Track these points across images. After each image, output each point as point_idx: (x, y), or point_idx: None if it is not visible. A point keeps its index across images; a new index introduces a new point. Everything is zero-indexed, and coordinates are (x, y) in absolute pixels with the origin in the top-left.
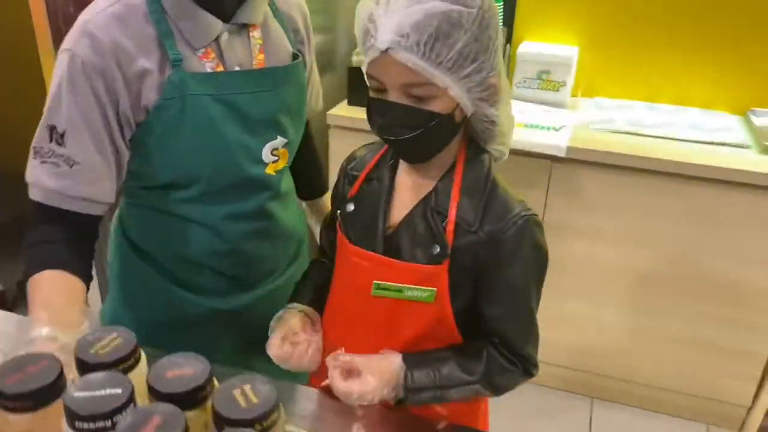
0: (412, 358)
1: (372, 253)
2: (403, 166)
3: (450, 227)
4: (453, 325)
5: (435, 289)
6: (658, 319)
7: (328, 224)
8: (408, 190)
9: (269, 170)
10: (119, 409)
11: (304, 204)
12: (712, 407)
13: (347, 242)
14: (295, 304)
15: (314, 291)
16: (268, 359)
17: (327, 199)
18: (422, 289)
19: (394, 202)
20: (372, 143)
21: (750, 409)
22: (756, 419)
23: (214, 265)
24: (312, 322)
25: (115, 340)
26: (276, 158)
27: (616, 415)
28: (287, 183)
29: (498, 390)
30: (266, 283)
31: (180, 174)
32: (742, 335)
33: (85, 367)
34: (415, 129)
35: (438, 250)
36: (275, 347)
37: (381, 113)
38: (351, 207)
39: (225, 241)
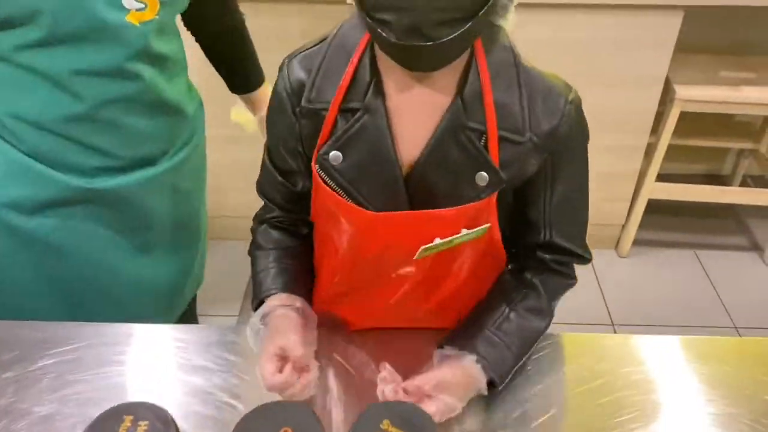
0: (478, 343)
1: (399, 213)
2: (395, 81)
3: (493, 143)
4: (501, 247)
5: (488, 224)
6: None
7: (279, 171)
8: (415, 112)
9: (131, 18)
10: None
11: (238, 98)
12: (591, 231)
13: (354, 207)
14: (280, 295)
15: (293, 270)
16: (158, 259)
17: (264, 91)
18: (475, 231)
19: (398, 135)
20: (309, 48)
21: (624, 226)
22: (630, 234)
23: (72, 133)
24: (306, 322)
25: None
26: (142, 6)
27: None
28: (169, 48)
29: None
30: (150, 167)
31: (14, 5)
32: (613, 158)
33: None
34: (459, 21)
35: (487, 178)
36: (270, 374)
37: None
38: (338, 157)
39: (79, 101)
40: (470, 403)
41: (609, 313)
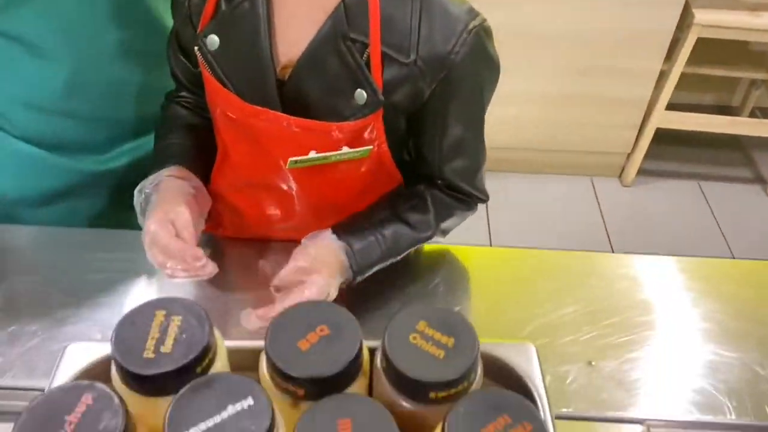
0: (348, 230)
1: (267, 110)
2: None
3: (376, 60)
4: (393, 169)
5: (370, 146)
6: (536, 79)
7: (178, 44)
8: (300, 12)
9: None
10: None
11: None
12: (596, 159)
13: (228, 94)
14: (177, 168)
15: (193, 148)
16: None
17: None
18: (354, 151)
19: (278, 31)
20: None
21: (630, 155)
22: (635, 163)
23: (68, 106)
24: (199, 200)
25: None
26: None
27: (502, 183)
28: None
29: (447, 232)
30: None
31: None
32: (624, 83)
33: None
34: None
35: (365, 96)
36: (169, 236)
37: None
38: (214, 41)
39: (63, 65)
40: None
41: (610, 242)
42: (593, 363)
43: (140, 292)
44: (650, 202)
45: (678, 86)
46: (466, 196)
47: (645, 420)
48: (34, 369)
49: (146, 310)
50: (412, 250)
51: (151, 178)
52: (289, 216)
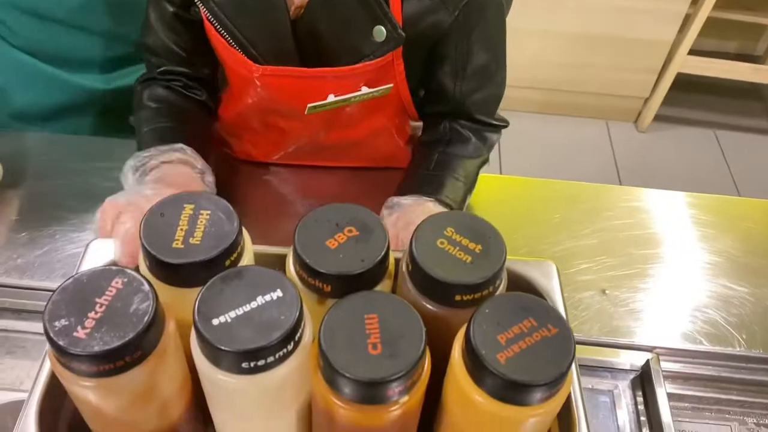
0: (428, 185)
1: (283, 68)
2: None
3: None
4: (411, 106)
5: (391, 84)
6: (558, 17)
7: (171, 7)
8: None
9: None
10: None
11: None
12: (612, 103)
13: (235, 52)
14: (171, 151)
15: (183, 130)
16: None
17: None
18: (374, 91)
19: None
20: None
21: (647, 99)
22: (652, 109)
23: (82, 20)
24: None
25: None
26: None
27: (514, 123)
28: None
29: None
30: None
31: None
32: (647, 26)
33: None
34: None
35: (384, 33)
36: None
37: None
38: None
39: None
40: None
41: (621, 185)
42: (607, 292)
43: None
44: (664, 149)
45: (701, 32)
46: (486, 126)
47: (654, 348)
48: (53, 270)
49: (174, 203)
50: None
51: (152, 162)
52: (303, 149)
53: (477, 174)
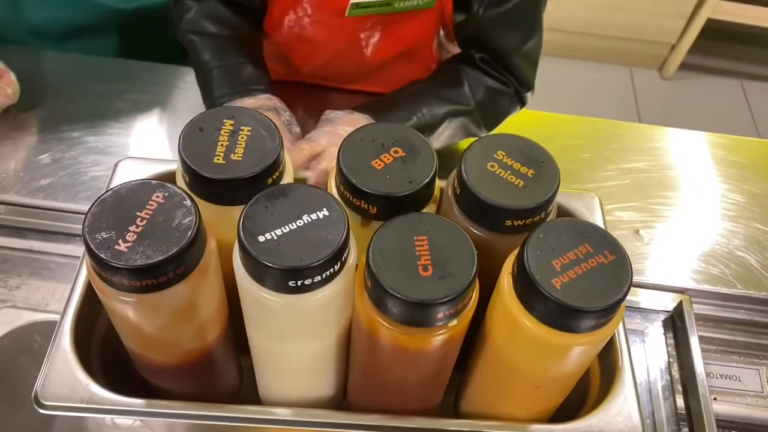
0: (380, 105)
1: None
2: None
3: None
4: (451, 30)
5: None
6: None
7: None
8: None
9: None
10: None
11: None
12: (638, 48)
13: None
14: (254, 97)
15: (256, 62)
16: None
17: None
18: None
19: None
20: None
21: (674, 46)
22: (679, 56)
23: None
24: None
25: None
26: None
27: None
28: None
29: (489, 124)
30: None
31: None
32: None
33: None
34: None
35: None
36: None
37: None
38: None
39: None
40: None
41: None
42: (640, 232)
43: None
44: (688, 98)
45: None
46: (505, 76)
47: (687, 290)
48: (77, 192)
49: (214, 117)
50: (449, 141)
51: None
52: (332, 66)
53: (444, 119)
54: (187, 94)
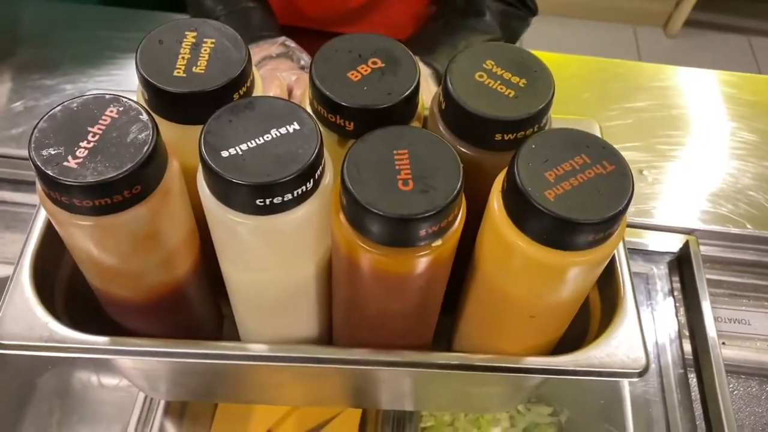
0: (421, 44)
1: None
2: None
3: None
4: None
5: None
6: None
7: None
8: None
9: None
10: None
11: None
12: (640, 6)
13: None
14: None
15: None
16: None
17: None
18: None
19: None
20: None
21: (678, 2)
22: (683, 12)
23: None
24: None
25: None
26: None
27: (543, 27)
28: None
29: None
30: None
31: None
32: None
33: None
34: None
35: None
36: None
37: None
38: None
39: None
40: None
41: None
42: (644, 172)
43: None
44: (694, 56)
45: None
46: (513, 4)
47: (694, 230)
48: None
49: (174, 29)
50: None
51: (254, 57)
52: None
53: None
54: None
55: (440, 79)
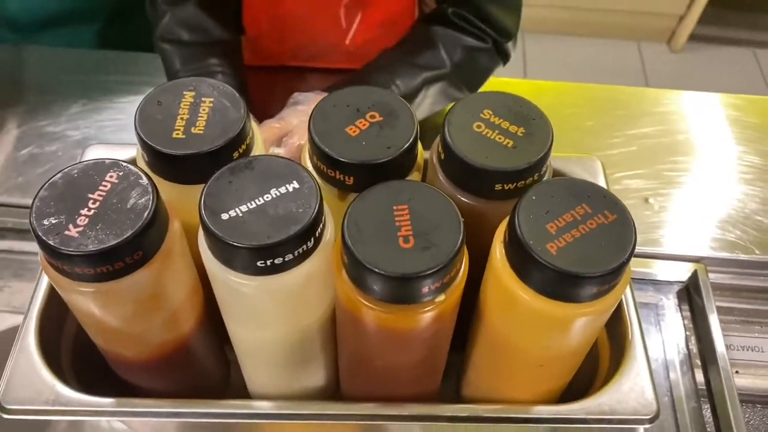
0: (353, 83)
1: None
2: None
3: None
4: None
5: None
6: None
7: None
8: None
9: None
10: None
11: None
12: (645, 22)
13: None
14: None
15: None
16: None
17: None
18: None
19: None
20: None
21: (682, 17)
22: (687, 27)
23: None
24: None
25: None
26: None
27: (541, 45)
28: None
29: (471, 84)
30: None
31: None
32: None
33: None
34: None
35: None
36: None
37: None
38: None
39: None
40: None
41: None
42: (650, 200)
43: None
44: (700, 70)
45: None
46: (481, 31)
47: (702, 258)
48: None
49: (173, 89)
50: (429, 111)
51: None
52: (310, 46)
53: (422, 88)
54: None
55: None
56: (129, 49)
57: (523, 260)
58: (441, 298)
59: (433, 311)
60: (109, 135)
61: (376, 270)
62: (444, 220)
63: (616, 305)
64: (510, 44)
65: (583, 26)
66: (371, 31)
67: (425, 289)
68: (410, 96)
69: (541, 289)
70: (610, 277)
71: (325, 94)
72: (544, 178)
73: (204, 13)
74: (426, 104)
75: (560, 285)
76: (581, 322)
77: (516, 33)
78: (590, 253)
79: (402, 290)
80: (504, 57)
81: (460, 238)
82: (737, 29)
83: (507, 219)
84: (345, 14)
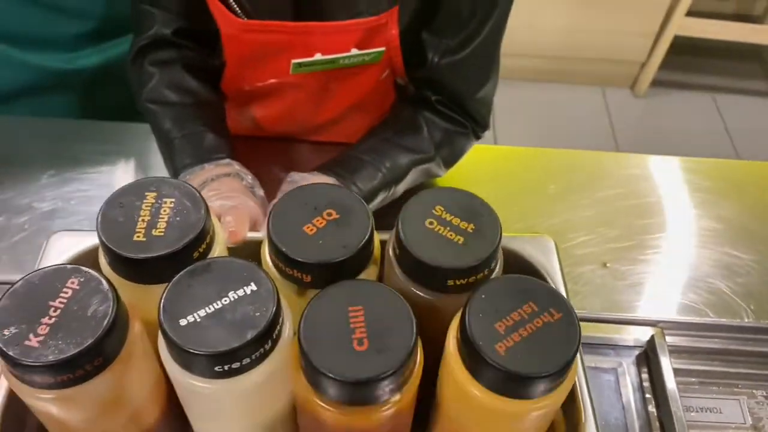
0: (345, 165)
1: (275, 23)
2: None
3: None
4: (403, 74)
5: (383, 48)
6: None
7: None
8: None
9: None
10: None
11: None
12: (608, 68)
13: (222, 7)
14: (215, 163)
15: (218, 130)
16: None
17: None
18: (364, 53)
19: None
20: None
21: (644, 64)
22: (649, 73)
23: None
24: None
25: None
26: None
27: (508, 91)
28: None
29: (449, 162)
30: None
31: None
32: None
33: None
34: None
35: None
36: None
37: None
38: None
39: None
40: None
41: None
42: (608, 265)
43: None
44: (662, 115)
45: None
46: (462, 118)
47: (659, 322)
48: (23, 263)
49: (134, 191)
50: (420, 181)
51: (197, 178)
52: (291, 120)
53: (408, 170)
54: (145, 153)
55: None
56: (102, 117)
57: (474, 359)
58: (396, 397)
59: (389, 410)
60: (77, 206)
61: (331, 375)
62: (397, 321)
63: (565, 397)
64: (482, 132)
65: (549, 73)
66: (343, 110)
67: (380, 392)
68: (399, 178)
69: (493, 387)
70: (557, 375)
71: (320, 176)
72: (495, 271)
73: (190, 75)
74: (409, 181)
75: (510, 384)
76: (533, 416)
77: (489, 123)
78: (538, 352)
79: (357, 393)
80: (477, 138)
81: (413, 340)
82: (697, 74)
83: (459, 314)
84: (316, 93)
